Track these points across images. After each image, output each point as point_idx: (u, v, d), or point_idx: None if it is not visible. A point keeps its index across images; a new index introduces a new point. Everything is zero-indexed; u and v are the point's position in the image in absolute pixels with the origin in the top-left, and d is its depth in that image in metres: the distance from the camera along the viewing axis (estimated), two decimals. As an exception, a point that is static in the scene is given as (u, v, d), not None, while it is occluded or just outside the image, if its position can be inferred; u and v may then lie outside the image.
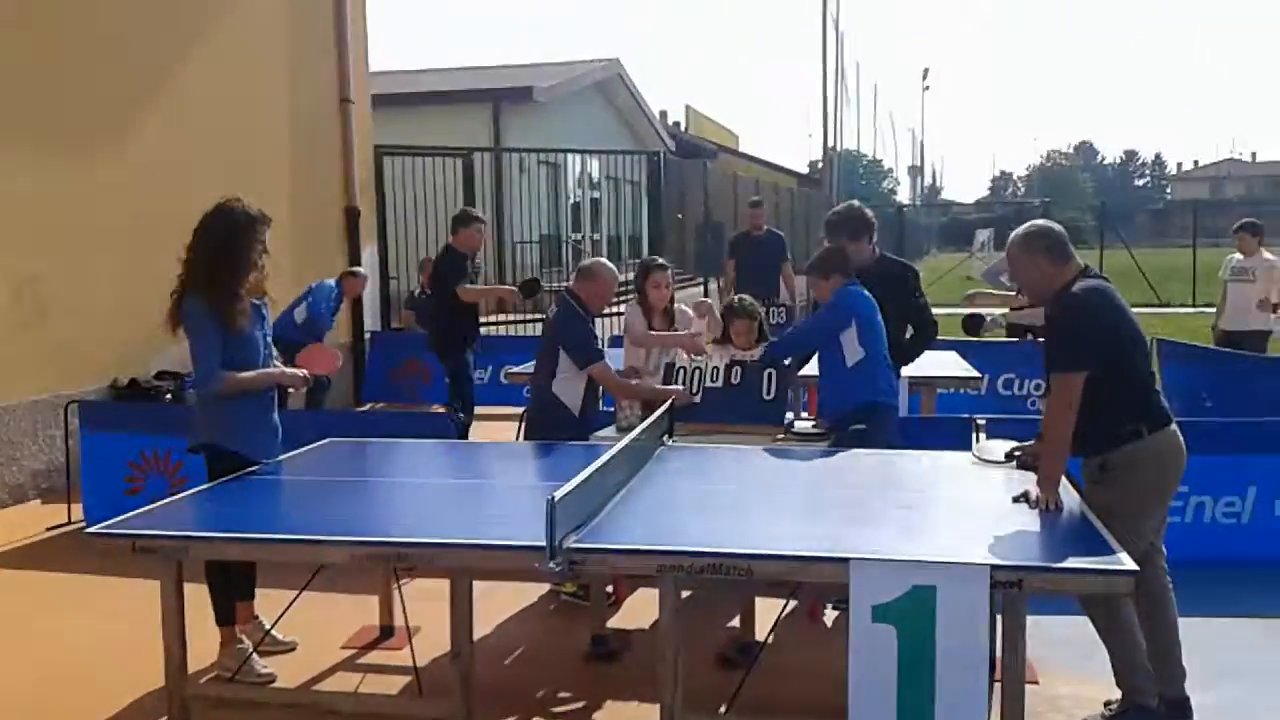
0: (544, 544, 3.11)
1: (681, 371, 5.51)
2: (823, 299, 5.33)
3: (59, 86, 7.76)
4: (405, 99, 17.42)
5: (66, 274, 7.46)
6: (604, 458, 3.76)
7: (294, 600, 4.20)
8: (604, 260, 5.74)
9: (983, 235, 35.89)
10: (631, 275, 6.41)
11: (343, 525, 3.68)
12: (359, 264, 11.17)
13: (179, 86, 8.98)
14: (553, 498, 3.11)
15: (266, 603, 4.48)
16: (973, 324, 8.20)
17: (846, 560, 3.10)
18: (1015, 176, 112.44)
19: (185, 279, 4.41)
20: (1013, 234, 4.04)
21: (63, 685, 4.46)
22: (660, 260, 6.24)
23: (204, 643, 4.21)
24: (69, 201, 7.56)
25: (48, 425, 7.63)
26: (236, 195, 4.48)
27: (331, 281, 9.23)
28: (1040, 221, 4.12)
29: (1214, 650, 4.40)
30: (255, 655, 4.34)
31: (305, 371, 4.73)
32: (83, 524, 6.70)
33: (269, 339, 4.62)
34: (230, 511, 3.98)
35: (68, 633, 4.96)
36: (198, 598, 4.25)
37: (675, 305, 6.09)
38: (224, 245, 4.40)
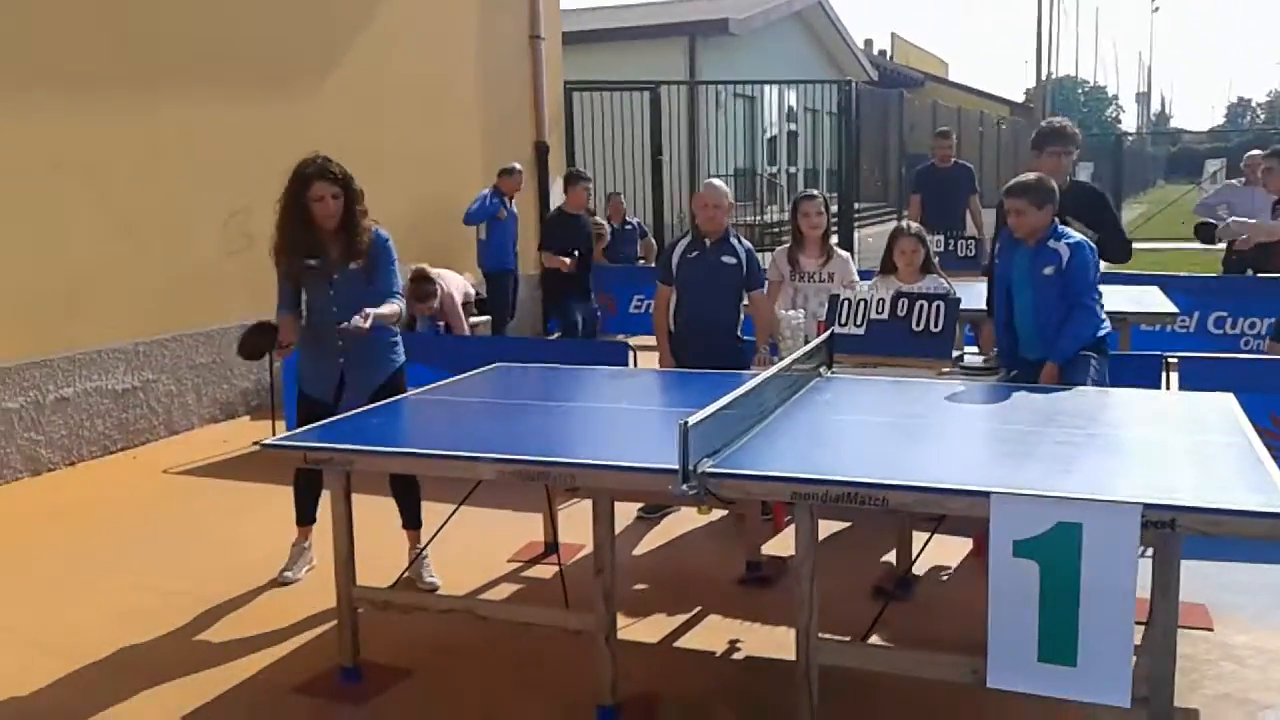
0: (677, 467, 3.14)
1: (845, 303, 5.40)
2: (1038, 227, 4.83)
3: (261, 25, 8.22)
4: (600, 35, 17.56)
5: (268, 205, 7.95)
6: (748, 385, 3.76)
7: (450, 516, 4.40)
8: (709, 180, 5.88)
9: (1213, 165, 33.28)
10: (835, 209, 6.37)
11: (497, 444, 3.81)
12: (547, 198, 11.43)
13: (373, 23, 9.36)
14: (685, 422, 3.13)
15: (435, 516, 4.72)
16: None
17: (988, 494, 3.00)
18: (1254, 103, 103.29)
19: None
20: None
21: (249, 586, 4.84)
22: (810, 191, 6.28)
23: (388, 554, 4.51)
24: (271, 135, 8.03)
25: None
26: (316, 153, 4.60)
27: (484, 191, 9.55)
28: None
29: None
30: (428, 563, 4.70)
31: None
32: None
33: (354, 305, 4.53)
34: (396, 428, 4.20)
35: (259, 537, 5.36)
36: (378, 511, 4.55)
37: (831, 260, 6.00)
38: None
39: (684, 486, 3.16)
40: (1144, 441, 3.65)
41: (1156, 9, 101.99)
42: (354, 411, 4.37)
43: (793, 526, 5.22)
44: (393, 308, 4.77)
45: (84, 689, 3.90)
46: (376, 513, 4.76)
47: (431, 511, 4.85)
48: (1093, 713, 3.09)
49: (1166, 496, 2.94)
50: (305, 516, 4.97)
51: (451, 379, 4.98)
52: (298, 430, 4.06)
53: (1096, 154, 26.90)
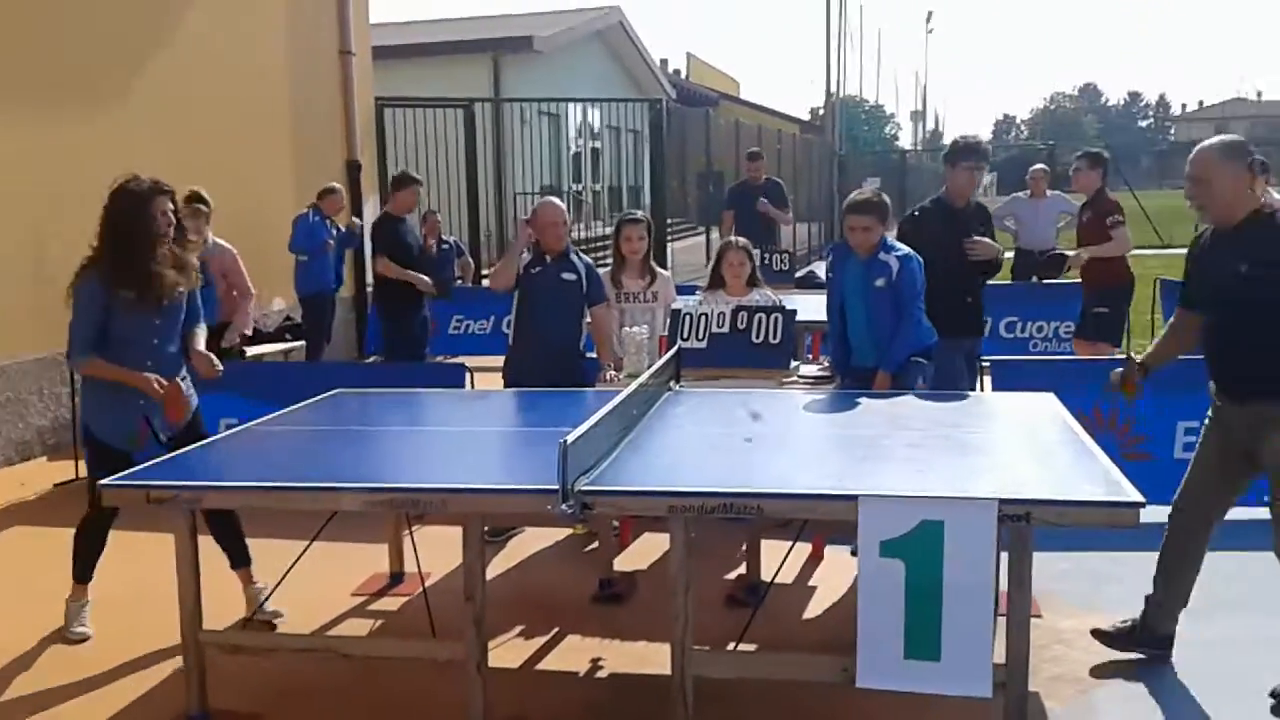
0: (556, 487, 3.13)
1: (688, 318, 5.51)
2: (874, 242, 5.04)
3: (52, 43, 7.68)
4: (404, 50, 17.27)
5: (66, 231, 7.42)
6: (614, 401, 3.78)
7: (306, 548, 4.24)
8: (546, 198, 5.87)
9: (985, 179, 35.85)
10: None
11: (355, 473, 3.71)
12: (360, 217, 11.15)
13: (177, 37, 8.91)
14: (564, 440, 3.13)
15: (270, 556, 4.52)
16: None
17: (855, 497, 3.12)
18: (1018, 120, 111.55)
19: (90, 255, 4.30)
20: (1203, 144, 3.76)
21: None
22: (634, 214, 6.36)
23: (218, 593, 4.27)
24: (66, 158, 7.53)
25: (53, 382, 7.66)
26: (134, 174, 4.31)
27: (305, 209, 9.21)
28: (1230, 136, 3.87)
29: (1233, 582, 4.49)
30: (84, 611, 4.49)
31: (158, 388, 4.29)
32: (87, 479, 6.74)
33: (177, 330, 4.42)
34: (241, 462, 4.01)
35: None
36: (212, 548, 4.31)
37: (655, 281, 6.07)
38: (115, 223, 4.26)
39: (564, 506, 3.15)
40: (986, 440, 3.88)
41: (931, 30, 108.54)
42: (196, 445, 4.14)
43: (636, 541, 5.37)
44: (204, 334, 4.60)
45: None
46: (216, 552, 4.54)
47: (268, 549, 4.65)
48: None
49: (1019, 491, 3.14)
50: (87, 574, 4.53)
51: (290, 409, 4.78)
52: (139, 467, 3.80)
53: (882, 170, 28.37)
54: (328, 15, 11.20)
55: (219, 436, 4.37)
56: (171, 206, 4.32)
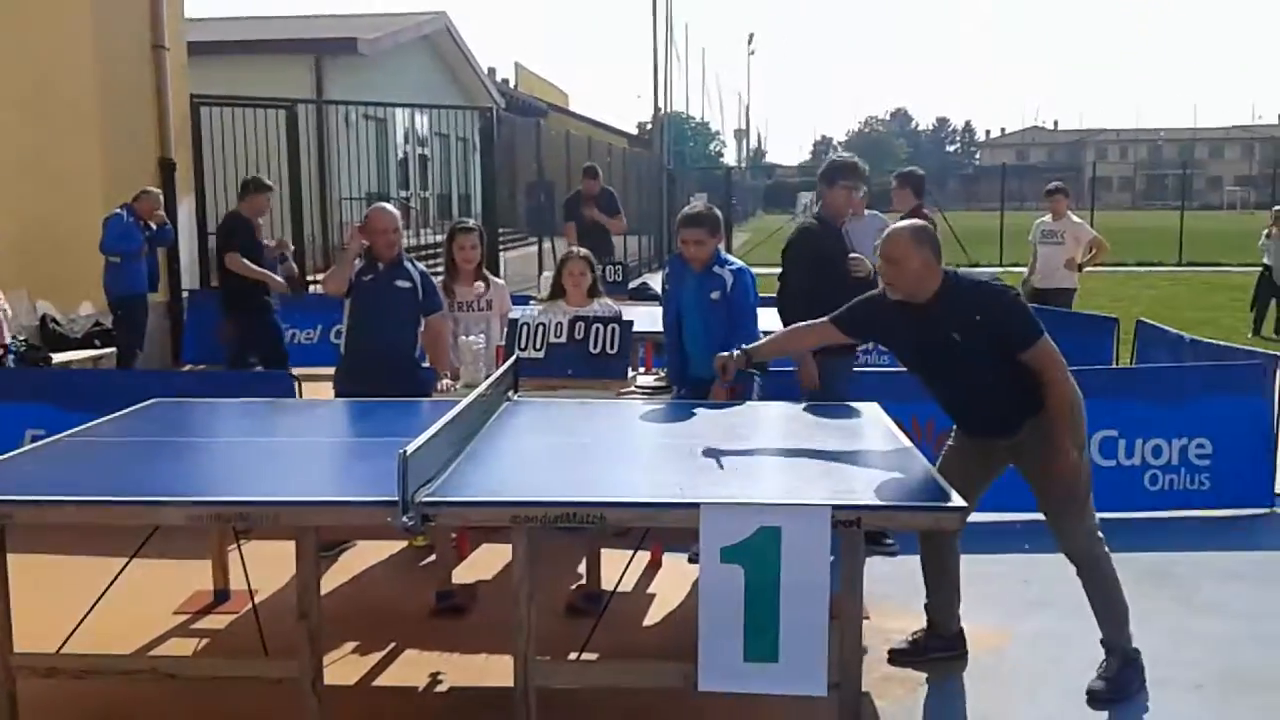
0: (395, 499, 3.08)
1: (525, 328, 5.50)
2: (706, 255, 5.16)
3: None
4: (222, 47, 16.61)
5: None
6: (452, 412, 3.74)
7: (125, 565, 4.03)
8: (379, 204, 5.80)
9: (805, 198, 37.02)
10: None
11: (179, 486, 3.56)
12: (176, 219, 10.66)
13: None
14: (404, 451, 3.08)
15: (86, 574, 4.27)
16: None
17: (698, 505, 3.19)
18: (835, 141, 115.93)
19: None
20: (893, 228, 3.98)
21: None
22: (466, 223, 6.36)
23: (33, 613, 4.01)
24: None
25: None
26: None
27: (118, 209, 8.80)
28: (917, 220, 4.19)
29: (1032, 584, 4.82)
30: None
31: None
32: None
33: None
34: (54, 475, 3.77)
35: None
36: (34, 570, 4.04)
37: (489, 289, 6.08)
38: None
39: (405, 518, 3.10)
40: (818, 449, 4.01)
41: (753, 51, 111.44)
42: (4, 456, 3.87)
43: (474, 553, 5.32)
44: None
45: None
46: (31, 570, 4.25)
47: (84, 567, 4.40)
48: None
49: (851, 497, 3.27)
50: None
51: (105, 418, 4.52)
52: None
53: (707, 185, 29.00)
54: (138, 7, 10.66)
55: (29, 448, 4.10)
56: None
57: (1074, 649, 4.16)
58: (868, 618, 4.50)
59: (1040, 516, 4.02)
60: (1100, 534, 3.96)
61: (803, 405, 4.73)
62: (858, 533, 3.24)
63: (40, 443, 4.17)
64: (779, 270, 5.52)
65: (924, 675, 4.10)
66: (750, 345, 4.39)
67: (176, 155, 11.11)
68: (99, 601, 3.94)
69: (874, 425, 4.29)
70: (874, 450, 3.92)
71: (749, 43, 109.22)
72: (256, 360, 8.05)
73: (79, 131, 9.68)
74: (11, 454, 3.99)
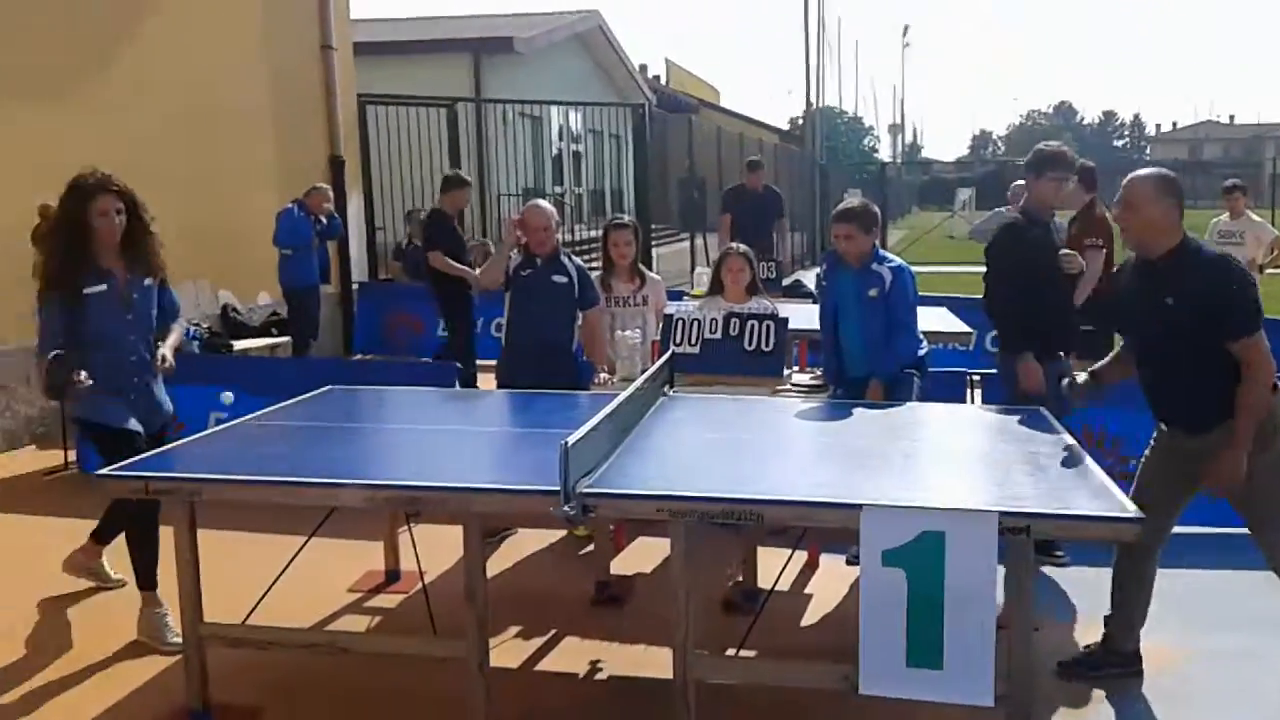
0: (557, 488, 3.15)
1: (680, 323, 5.54)
2: (865, 251, 5.09)
3: (28, 31, 7.63)
4: (385, 47, 17.20)
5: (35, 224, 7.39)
6: (611, 405, 3.80)
7: (305, 543, 4.24)
8: (534, 201, 5.87)
9: (964, 194, 36.06)
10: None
11: (356, 469, 3.72)
12: (345, 215, 11.12)
13: (153, 32, 8.86)
14: (565, 442, 3.14)
15: (264, 551, 4.51)
16: None
17: (858, 506, 3.16)
18: (995, 136, 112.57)
19: (43, 257, 4.31)
20: (1138, 173, 3.82)
21: (74, 625, 4.50)
22: (622, 219, 6.39)
23: (219, 586, 4.26)
24: (47, 151, 7.46)
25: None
26: (91, 169, 4.29)
27: (289, 204, 9.20)
28: (1165, 170, 3.89)
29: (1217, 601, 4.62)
30: (169, 621, 4.26)
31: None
32: (75, 468, 6.71)
33: (149, 323, 4.43)
34: (240, 455, 4.00)
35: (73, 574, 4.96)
36: (221, 544, 4.31)
37: (645, 285, 6.11)
38: (58, 220, 4.27)
39: (565, 508, 3.17)
40: (983, 453, 3.93)
41: (908, 44, 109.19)
42: (191, 438, 4.12)
43: (631, 545, 5.39)
44: (181, 330, 4.62)
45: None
46: (218, 546, 4.52)
47: (260, 544, 4.64)
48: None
49: (1018, 504, 3.19)
50: (148, 580, 4.36)
51: (284, 403, 4.76)
52: (135, 459, 3.80)
53: (862, 182, 28.55)
54: (307, 10, 11.15)
55: (214, 430, 4.35)
56: (119, 204, 4.26)
57: (1269, 671, 3.95)
58: (1038, 629, 4.38)
59: (1231, 530, 3.82)
60: None
61: (965, 409, 4.62)
62: (1026, 541, 3.15)
63: (227, 424, 4.42)
64: (983, 270, 5.22)
65: (1097, 692, 3.95)
66: (1095, 367, 4.15)
67: (345, 152, 11.58)
68: (280, 578, 4.14)
69: (1044, 430, 4.15)
70: (1044, 455, 3.79)
71: (904, 35, 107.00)
72: (454, 356, 8.31)
73: (254, 130, 10.19)
74: (200, 434, 4.25)
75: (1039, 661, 4.01)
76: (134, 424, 4.32)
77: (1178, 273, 3.68)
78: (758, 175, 10.86)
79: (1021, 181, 11.49)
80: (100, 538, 4.77)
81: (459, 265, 8.18)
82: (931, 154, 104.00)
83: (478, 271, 8.39)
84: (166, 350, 4.45)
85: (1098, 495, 3.28)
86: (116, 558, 4.68)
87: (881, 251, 5.17)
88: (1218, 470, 3.65)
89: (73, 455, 6.84)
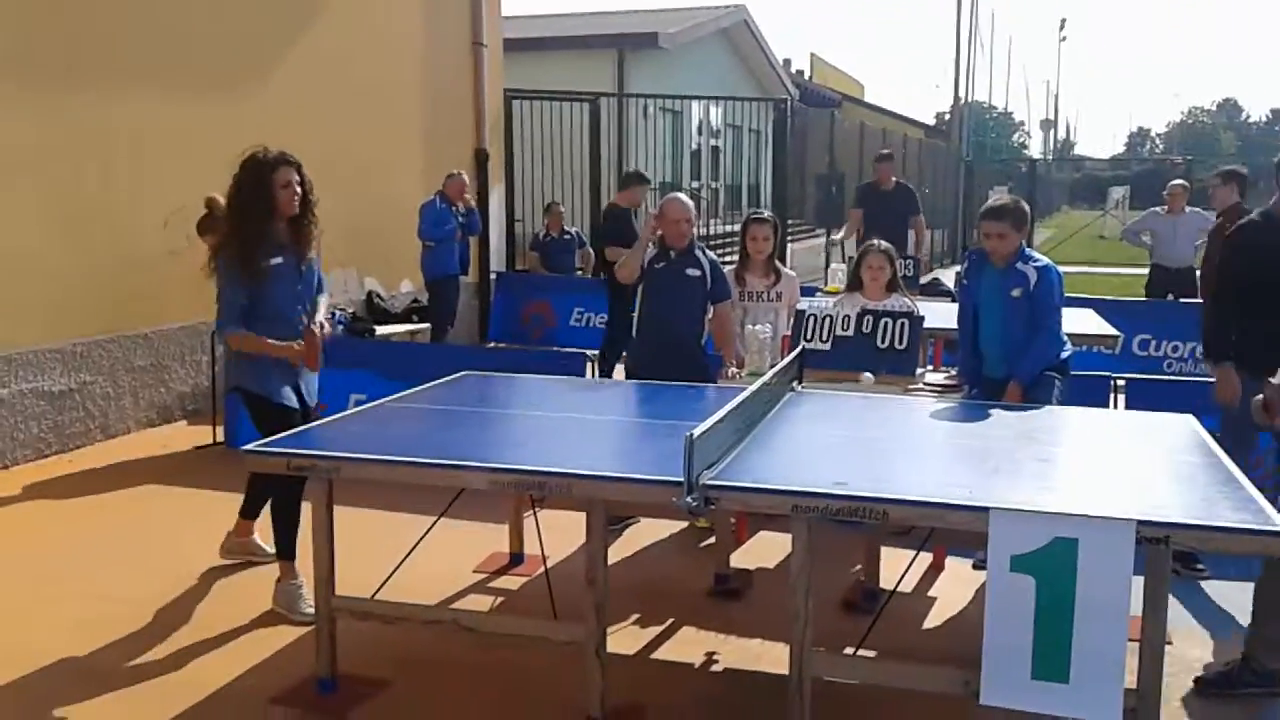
0: (681, 479, 3.15)
1: (812, 319, 5.49)
2: (1009, 250, 4.94)
3: (201, 28, 8.03)
4: (531, 44, 17.51)
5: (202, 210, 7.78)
6: (739, 398, 3.79)
7: (435, 523, 4.36)
8: (673, 194, 5.85)
9: (1117, 193, 34.60)
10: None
11: (484, 453, 3.81)
12: (487, 206, 11.37)
13: (315, 27, 9.20)
14: (690, 434, 3.15)
15: (394, 529, 4.65)
16: None
17: (986, 510, 3.07)
18: (1153, 134, 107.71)
19: (222, 233, 4.49)
20: None
21: (213, 595, 4.72)
22: (762, 214, 6.32)
23: (350, 560, 4.43)
24: (211, 137, 7.85)
25: (194, 350, 8.01)
26: (263, 145, 4.47)
27: (432, 196, 9.42)
28: None
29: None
30: (304, 592, 4.42)
31: (297, 349, 4.51)
32: (224, 444, 7.05)
33: (311, 296, 4.63)
34: (376, 435, 4.14)
35: (214, 545, 5.21)
36: (353, 520, 4.45)
37: (780, 280, 6.07)
38: (240, 194, 4.41)
39: (689, 498, 3.17)
40: (1122, 459, 3.77)
41: (1064, 39, 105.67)
42: (331, 419, 4.28)
43: (752, 540, 5.37)
44: (328, 302, 4.81)
45: (50, 700, 3.75)
46: (351, 522, 4.69)
47: (391, 522, 4.78)
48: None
49: (1157, 513, 3.05)
50: (288, 550, 4.56)
51: (420, 387, 4.90)
52: (276, 436, 3.97)
53: (1010, 178, 27.71)
54: (461, 6, 11.42)
55: (353, 411, 4.51)
56: (297, 177, 4.45)
57: None
58: (1170, 643, 4.20)
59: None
60: None
61: (1106, 414, 4.44)
62: (1165, 551, 3.02)
63: (365, 406, 4.58)
64: (1143, 270, 4.98)
65: (1232, 710, 3.77)
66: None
67: (490, 146, 11.83)
68: (409, 556, 4.27)
69: (1188, 438, 3.97)
70: (1187, 464, 3.63)
71: (1060, 29, 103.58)
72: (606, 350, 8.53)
73: (404, 124, 10.51)
74: (339, 415, 4.41)
75: (1173, 677, 3.86)
76: (293, 399, 4.54)
77: None
78: (887, 169, 10.61)
79: (1179, 181, 11.03)
80: (247, 513, 5.00)
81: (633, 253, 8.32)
82: (1085, 151, 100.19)
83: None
84: (322, 318, 4.66)
85: (1243, 507, 3.11)
86: (265, 531, 4.90)
87: (1028, 250, 5.01)
88: None
89: (221, 433, 7.18)
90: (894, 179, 10.63)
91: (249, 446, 3.80)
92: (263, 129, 8.09)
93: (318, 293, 4.74)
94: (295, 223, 4.50)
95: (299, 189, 4.44)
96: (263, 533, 4.92)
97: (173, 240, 7.60)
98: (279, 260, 4.44)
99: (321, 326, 4.59)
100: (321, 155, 4.77)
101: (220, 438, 7.16)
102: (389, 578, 4.10)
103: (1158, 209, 10.89)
